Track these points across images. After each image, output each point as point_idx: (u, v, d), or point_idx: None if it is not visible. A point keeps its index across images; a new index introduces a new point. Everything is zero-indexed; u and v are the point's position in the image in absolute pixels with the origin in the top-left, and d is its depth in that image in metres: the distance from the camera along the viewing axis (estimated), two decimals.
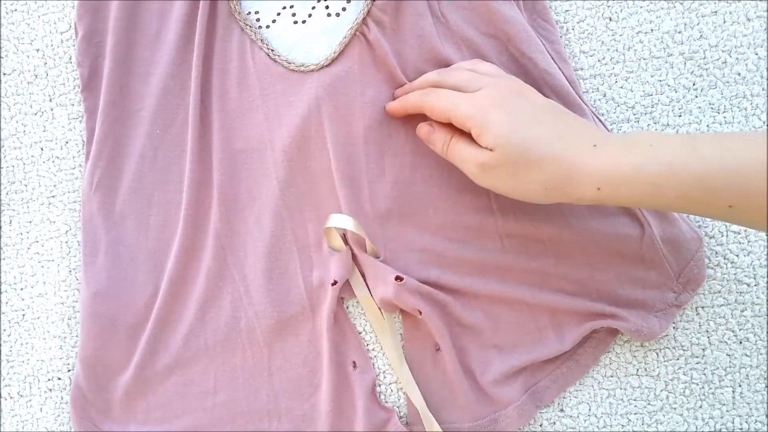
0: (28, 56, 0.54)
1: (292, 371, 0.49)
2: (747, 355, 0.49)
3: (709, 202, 0.36)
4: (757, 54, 0.50)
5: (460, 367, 0.47)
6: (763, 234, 0.49)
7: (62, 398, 0.52)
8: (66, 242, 0.53)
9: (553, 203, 0.42)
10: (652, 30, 0.51)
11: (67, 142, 0.54)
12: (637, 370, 0.49)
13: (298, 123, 0.48)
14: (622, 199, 0.38)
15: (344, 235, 0.48)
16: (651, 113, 0.50)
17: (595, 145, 0.39)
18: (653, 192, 0.37)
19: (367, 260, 0.48)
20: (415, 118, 0.47)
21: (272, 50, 0.49)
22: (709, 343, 0.49)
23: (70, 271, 0.53)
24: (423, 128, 0.46)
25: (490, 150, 0.40)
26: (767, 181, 0.34)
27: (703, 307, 0.49)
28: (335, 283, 0.48)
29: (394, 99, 0.48)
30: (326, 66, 0.49)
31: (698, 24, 0.50)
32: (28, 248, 0.53)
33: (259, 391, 0.49)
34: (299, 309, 0.49)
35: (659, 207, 0.39)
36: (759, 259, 0.49)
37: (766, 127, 0.49)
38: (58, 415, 0.52)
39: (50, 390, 0.52)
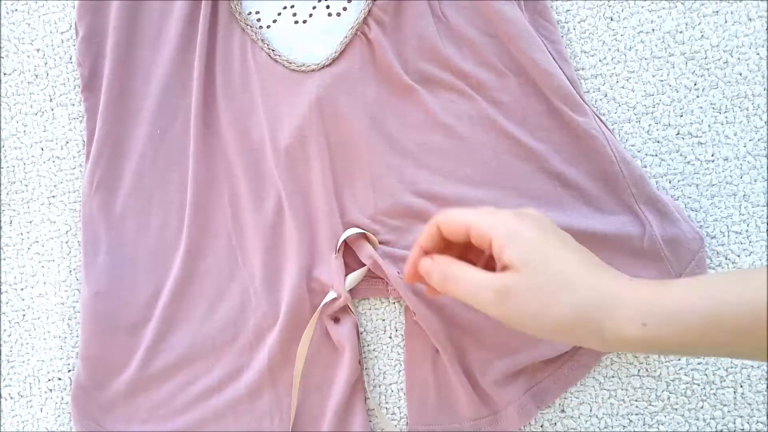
0: (28, 56, 0.54)
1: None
2: None
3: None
4: (758, 54, 0.50)
5: (460, 367, 0.47)
6: (763, 234, 0.49)
7: (62, 398, 0.52)
8: (66, 242, 0.53)
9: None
10: (653, 30, 0.51)
11: (67, 142, 0.53)
12: (639, 370, 0.49)
13: (300, 123, 0.48)
14: (673, 338, 0.31)
15: (345, 242, 0.48)
16: (652, 113, 0.50)
17: (631, 279, 0.34)
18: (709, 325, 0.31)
19: (373, 254, 0.48)
20: (415, 116, 0.47)
21: (273, 50, 0.49)
22: None
23: (71, 271, 0.53)
24: (422, 263, 0.38)
25: (512, 270, 0.34)
26: None
27: None
28: (339, 297, 0.47)
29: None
30: (327, 66, 0.49)
31: (699, 24, 0.50)
32: (29, 248, 0.53)
33: (261, 390, 0.49)
34: (303, 310, 0.48)
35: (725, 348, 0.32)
36: (760, 260, 0.49)
37: (766, 127, 0.49)
38: (59, 416, 0.52)
39: (50, 390, 0.52)
